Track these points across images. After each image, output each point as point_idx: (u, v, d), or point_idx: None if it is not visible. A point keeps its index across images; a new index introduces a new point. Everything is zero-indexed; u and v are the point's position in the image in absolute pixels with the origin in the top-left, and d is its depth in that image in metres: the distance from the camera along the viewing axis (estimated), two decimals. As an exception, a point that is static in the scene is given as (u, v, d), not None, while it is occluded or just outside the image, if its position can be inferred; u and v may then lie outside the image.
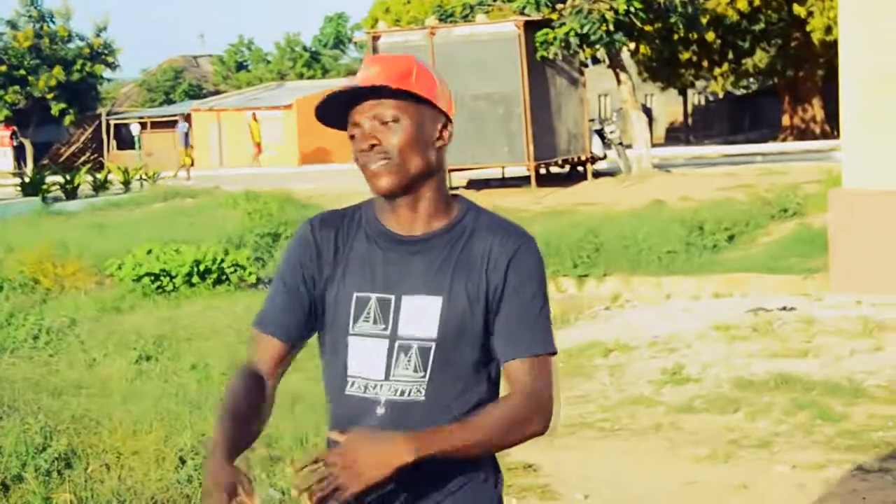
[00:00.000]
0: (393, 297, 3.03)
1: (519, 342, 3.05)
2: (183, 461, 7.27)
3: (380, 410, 3.00)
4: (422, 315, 3.01)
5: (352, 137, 3.06)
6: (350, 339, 3.06)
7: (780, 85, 48.24)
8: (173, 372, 10.53)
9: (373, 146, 3.00)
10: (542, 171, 26.86)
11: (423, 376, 3.00)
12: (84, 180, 34.23)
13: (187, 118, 45.77)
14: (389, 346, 3.02)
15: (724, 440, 8.17)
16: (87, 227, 22.00)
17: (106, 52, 55.80)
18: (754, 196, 20.37)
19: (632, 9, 24.66)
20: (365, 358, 3.04)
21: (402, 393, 3.00)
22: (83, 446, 7.52)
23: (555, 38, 24.88)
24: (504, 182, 27.77)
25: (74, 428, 7.91)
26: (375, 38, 26.65)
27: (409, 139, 3.02)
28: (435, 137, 3.10)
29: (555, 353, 3.12)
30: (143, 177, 36.97)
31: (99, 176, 35.41)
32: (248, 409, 3.02)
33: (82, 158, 55.43)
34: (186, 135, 42.60)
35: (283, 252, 3.23)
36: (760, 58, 44.54)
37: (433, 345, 3.00)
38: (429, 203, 3.09)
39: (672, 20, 26.63)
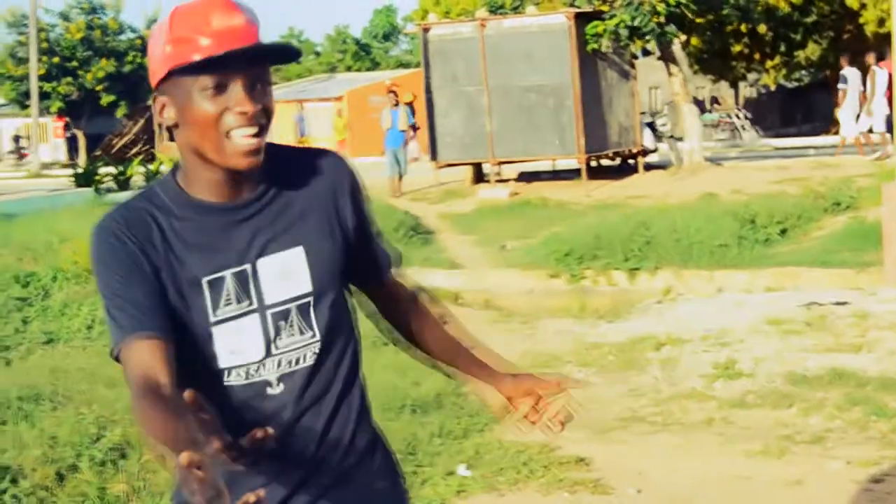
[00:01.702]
0: (248, 267, 2.72)
1: (388, 256, 3.04)
2: (235, 452, 7.29)
3: (273, 390, 2.76)
4: (288, 272, 2.75)
5: (204, 91, 2.62)
6: (214, 329, 2.70)
7: (832, 77, 47.94)
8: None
9: (255, 113, 2.63)
10: (593, 163, 26.81)
11: (313, 336, 2.78)
12: (136, 171, 34.44)
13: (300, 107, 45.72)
14: (261, 319, 2.73)
15: (777, 435, 8.12)
16: (140, 218, 22.11)
17: (157, 44, 56.18)
18: (807, 189, 20.25)
19: (683, 0, 24.56)
20: (238, 342, 2.72)
21: (292, 362, 2.77)
22: (137, 437, 7.55)
23: (605, 30, 24.81)
24: (555, 175, 27.73)
25: (128, 418, 7.94)
26: (426, 30, 26.64)
27: (274, 105, 2.72)
28: None
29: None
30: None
31: (151, 167, 35.58)
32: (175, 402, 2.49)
33: (134, 150, 55.79)
34: (302, 123, 42.12)
35: (94, 266, 2.74)
36: (812, 50, 44.31)
37: (311, 300, 2.78)
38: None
39: (724, 12, 26.51)
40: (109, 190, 31.43)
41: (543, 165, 28.21)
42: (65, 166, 50.07)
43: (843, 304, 12.45)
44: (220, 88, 2.61)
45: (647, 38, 25.57)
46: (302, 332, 2.78)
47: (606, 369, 10.58)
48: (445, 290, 15.30)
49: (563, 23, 25.13)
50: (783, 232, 17.48)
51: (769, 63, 45.75)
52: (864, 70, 26.76)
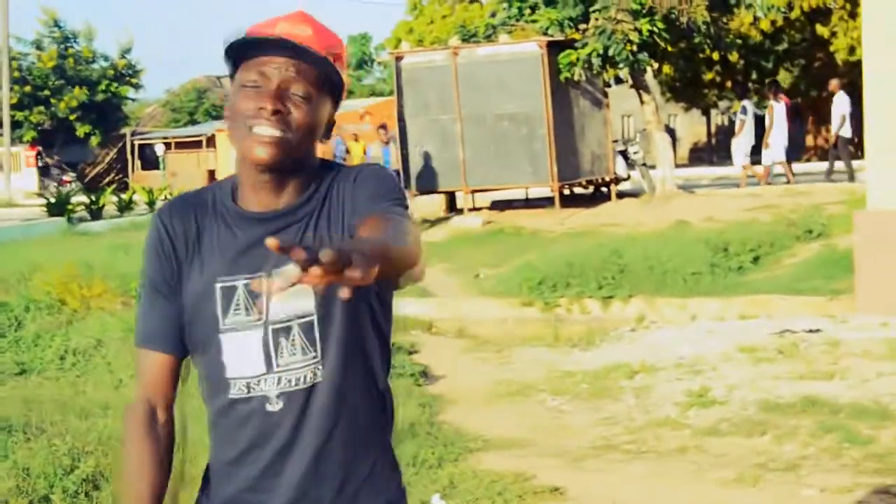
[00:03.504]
0: (262, 278, 2.66)
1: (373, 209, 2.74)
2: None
3: (273, 406, 2.77)
4: (294, 290, 2.62)
5: (245, 87, 2.76)
6: (222, 336, 2.80)
7: (803, 105, 48.19)
8: (199, 394, 10.54)
9: (277, 112, 2.72)
10: (566, 191, 26.86)
11: (315, 357, 2.78)
12: (109, 201, 34.33)
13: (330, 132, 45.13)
14: (263, 334, 2.77)
15: (751, 463, 8.15)
16: (113, 247, 22.02)
17: (130, 72, 56.13)
18: (779, 217, 20.31)
19: (655, 29, 24.66)
20: (242, 354, 2.78)
21: (293, 381, 2.77)
22: (110, 468, 7.53)
23: (578, 59, 24.88)
24: (528, 203, 27.77)
25: (102, 449, 7.93)
26: (399, 59, 26.68)
27: (311, 123, 2.77)
28: (325, 124, 2.86)
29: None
30: (168, 197, 37.10)
31: (124, 196, 35.53)
32: (156, 465, 2.90)
33: (107, 179, 55.65)
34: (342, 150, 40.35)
35: (144, 258, 2.95)
36: (784, 78, 44.50)
37: (313, 318, 2.78)
38: (297, 180, 2.83)
39: (696, 40, 26.61)
40: (82, 219, 31.33)
41: (516, 194, 28.26)
42: (37, 195, 49.93)
43: (816, 331, 12.48)
44: (253, 88, 2.74)
45: (620, 66, 25.64)
46: (304, 352, 2.77)
47: (580, 397, 10.59)
48: (418, 318, 15.29)
49: (536, 51, 25.21)
50: (756, 259, 17.51)
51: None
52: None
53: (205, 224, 2.84)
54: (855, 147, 27.96)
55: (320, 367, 2.79)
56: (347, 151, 32.38)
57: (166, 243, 2.86)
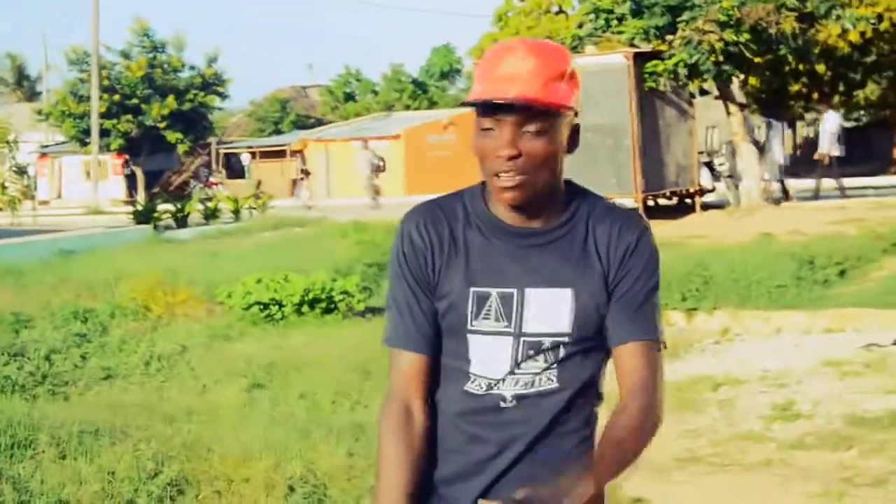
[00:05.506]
0: (515, 291, 2.89)
1: (632, 327, 2.98)
2: (292, 489, 7.31)
3: (506, 405, 2.92)
4: (551, 309, 2.89)
5: (483, 130, 2.86)
6: (469, 336, 2.93)
7: (891, 117, 47.66)
8: (282, 400, 10.60)
9: (512, 157, 2.81)
10: (651, 202, 26.74)
11: (553, 365, 2.91)
12: (195, 209, 34.60)
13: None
14: (515, 343, 2.90)
15: (837, 478, 8.05)
16: (198, 255, 22.24)
17: (217, 82, 56.48)
18: (866, 230, 20.10)
19: (741, 40, 24.51)
20: (488, 356, 2.91)
21: (530, 384, 2.91)
22: (194, 473, 7.58)
23: (664, 70, 24.78)
24: (611, 213, 27.66)
25: (186, 454, 7.97)
26: (484, 69, 26.68)
27: (550, 153, 2.85)
28: (567, 144, 2.91)
29: (663, 346, 3.06)
30: (253, 206, 37.34)
31: (209, 204, 35.79)
32: (411, 464, 2.92)
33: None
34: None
35: (393, 255, 3.03)
36: (872, 90, 44.07)
37: (566, 339, 2.90)
38: (548, 200, 2.92)
39: (782, 52, 26.41)
40: (168, 227, 31.60)
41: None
42: (124, 203, 50.41)
43: (904, 345, 12.34)
44: (490, 131, 2.84)
45: (705, 76, 25.50)
46: (545, 361, 2.91)
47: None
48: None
49: (622, 63, 25.14)
50: (842, 273, 17.34)
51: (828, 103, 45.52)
52: None
53: (458, 230, 2.97)
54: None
55: (555, 374, 2.93)
56: None
57: (420, 247, 2.97)
